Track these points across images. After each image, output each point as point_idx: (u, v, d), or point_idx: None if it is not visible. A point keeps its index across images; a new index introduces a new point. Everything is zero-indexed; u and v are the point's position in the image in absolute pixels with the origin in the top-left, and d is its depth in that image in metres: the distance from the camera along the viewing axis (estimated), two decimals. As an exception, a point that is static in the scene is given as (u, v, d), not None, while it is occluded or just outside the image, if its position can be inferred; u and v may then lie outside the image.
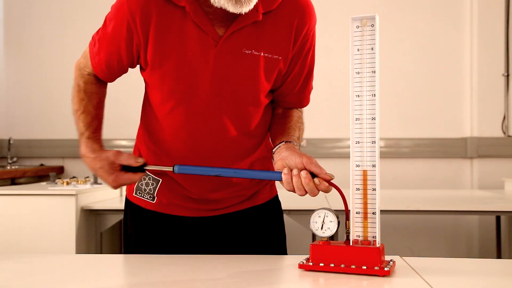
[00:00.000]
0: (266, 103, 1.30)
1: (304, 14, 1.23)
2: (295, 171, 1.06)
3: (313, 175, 1.06)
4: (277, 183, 1.35)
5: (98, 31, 1.26)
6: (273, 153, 1.20)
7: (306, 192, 1.07)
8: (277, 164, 1.12)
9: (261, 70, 1.21)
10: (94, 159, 1.22)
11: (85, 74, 1.30)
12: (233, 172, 1.16)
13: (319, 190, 1.06)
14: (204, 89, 1.20)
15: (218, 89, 1.20)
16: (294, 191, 1.08)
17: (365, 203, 1.00)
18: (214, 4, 1.11)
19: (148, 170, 1.25)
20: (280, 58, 1.22)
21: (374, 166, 0.99)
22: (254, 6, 1.13)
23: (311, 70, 1.33)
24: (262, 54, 1.20)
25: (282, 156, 1.13)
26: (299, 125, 1.33)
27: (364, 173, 1.00)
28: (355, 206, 1.00)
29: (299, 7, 1.23)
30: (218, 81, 1.20)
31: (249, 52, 1.19)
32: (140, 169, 1.20)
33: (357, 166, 1.00)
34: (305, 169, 1.06)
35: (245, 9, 1.10)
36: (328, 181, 1.05)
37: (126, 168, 1.20)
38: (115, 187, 1.23)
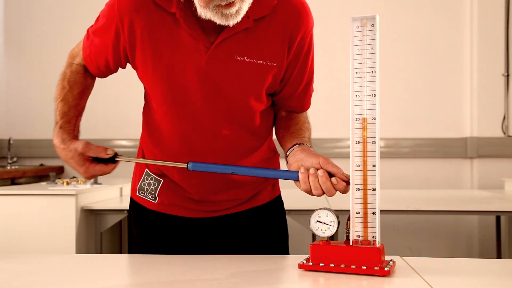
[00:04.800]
0: (262, 108, 1.28)
1: (299, 18, 1.21)
2: (311, 170, 1.07)
3: (330, 175, 1.06)
4: (285, 184, 1.35)
5: (92, 25, 1.27)
6: (287, 156, 1.20)
7: (323, 192, 1.06)
8: (293, 167, 1.12)
9: (254, 77, 1.20)
10: (63, 150, 1.21)
11: (73, 63, 1.31)
12: (248, 170, 1.15)
13: (336, 190, 1.06)
14: (196, 95, 1.20)
15: (209, 96, 1.20)
16: (310, 191, 1.07)
17: (365, 203, 1.00)
18: (201, 16, 1.10)
19: (119, 161, 1.21)
20: (274, 64, 1.20)
21: (374, 166, 0.99)
22: (245, 12, 1.11)
23: (311, 73, 1.32)
24: (254, 61, 1.18)
25: (297, 158, 1.13)
26: (306, 125, 1.33)
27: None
28: (355, 206, 1.00)
29: (294, 11, 1.20)
30: (209, 88, 1.19)
31: (241, 59, 1.17)
32: (112, 160, 1.18)
33: (357, 166, 1.00)
34: (322, 168, 1.06)
35: (232, 21, 1.10)
36: (347, 181, 1.05)
37: (98, 159, 1.19)
38: (88, 178, 1.22)
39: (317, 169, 1.07)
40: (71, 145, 1.20)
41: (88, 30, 1.29)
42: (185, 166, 1.14)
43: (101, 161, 1.19)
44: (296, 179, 1.09)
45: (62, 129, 1.24)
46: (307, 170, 1.07)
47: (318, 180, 1.06)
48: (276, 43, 1.20)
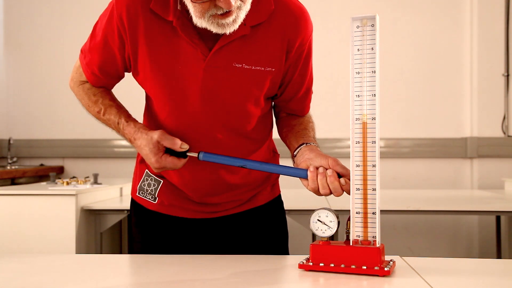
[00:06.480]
0: (260, 114, 1.28)
1: (297, 24, 1.20)
2: (320, 169, 1.07)
3: (339, 176, 1.06)
4: (286, 184, 1.34)
5: (86, 44, 1.26)
6: (295, 156, 1.20)
7: (330, 192, 1.07)
8: (301, 166, 1.12)
9: (253, 84, 1.20)
10: (139, 138, 1.19)
11: (83, 81, 1.30)
12: (259, 164, 1.15)
13: (343, 191, 1.06)
14: (194, 101, 1.20)
15: (208, 102, 1.20)
16: (318, 190, 1.08)
17: (365, 203, 1.00)
18: (196, 25, 1.10)
19: (189, 156, 1.20)
20: (273, 70, 1.20)
21: (374, 166, 0.99)
22: (242, 20, 1.10)
23: (311, 77, 1.32)
24: (253, 67, 1.18)
25: (306, 158, 1.13)
26: (311, 124, 1.33)
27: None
28: (355, 206, 1.00)
29: (292, 17, 1.20)
30: (208, 95, 1.19)
31: (240, 65, 1.17)
32: (183, 154, 1.18)
33: (357, 166, 1.00)
34: (331, 169, 1.06)
35: (229, 30, 1.09)
36: None
37: (170, 152, 1.18)
38: (158, 169, 1.19)
39: (326, 169, 1.07)
40: (149, 132, 1.19)
41: (82, 50, 1.28)
42: (196, 156, 1.16)
43: (173, 154, 1.18)
44: (305, 177, 1.09)
45: (130, 121, 1.24)
46: (316, 169, 1.08)
47: (327, 179, 1.06)
48: (274, 49, 1.19)
